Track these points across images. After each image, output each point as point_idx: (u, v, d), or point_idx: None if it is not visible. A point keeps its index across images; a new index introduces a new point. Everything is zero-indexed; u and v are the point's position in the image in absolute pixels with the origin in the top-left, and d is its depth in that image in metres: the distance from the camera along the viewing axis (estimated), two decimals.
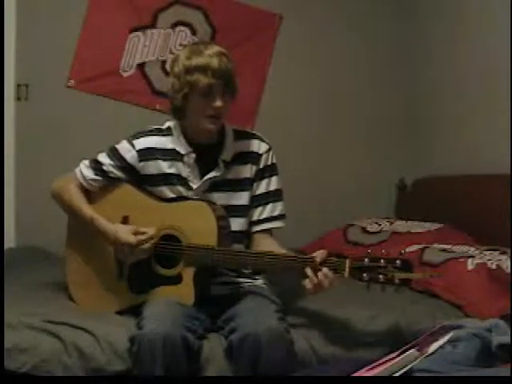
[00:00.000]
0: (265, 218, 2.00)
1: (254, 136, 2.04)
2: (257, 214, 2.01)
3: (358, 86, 3.54)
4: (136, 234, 1.87)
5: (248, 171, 1.99)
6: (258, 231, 2.01)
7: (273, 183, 2.02)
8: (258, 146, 2.01)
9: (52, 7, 3.11)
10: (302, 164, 3.41)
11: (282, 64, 3.42)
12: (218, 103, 1.87)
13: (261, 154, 2.01)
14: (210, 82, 1.85)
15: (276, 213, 2.01)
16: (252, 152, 2.00)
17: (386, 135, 3.56)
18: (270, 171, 2.02)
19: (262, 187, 2.01)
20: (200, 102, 1.89)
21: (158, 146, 1.97)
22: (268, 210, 2.00)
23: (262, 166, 2.00)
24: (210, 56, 1.87)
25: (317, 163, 3.47)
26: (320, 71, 3.50)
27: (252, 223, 2.01)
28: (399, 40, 3.51)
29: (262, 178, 2.01)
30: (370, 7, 3.52)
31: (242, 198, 1.98)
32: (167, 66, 3.28)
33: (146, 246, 1.88)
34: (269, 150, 2.02)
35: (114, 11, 3.20)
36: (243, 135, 2.03)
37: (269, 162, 2.02)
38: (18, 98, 3.08)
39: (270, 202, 2.01)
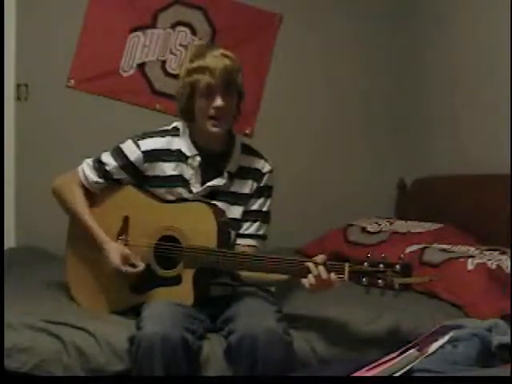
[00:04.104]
0: (249, 234, 2.01)
1: (259, 155, 2.05)
2: (243, 227, 2.01)
3: (358, 86, 3.53)
4: (126, 259, 1.87)
5: (248, 187, 2.00)
6: (239, 244, 2.01)
7: (266, 205, 2.03)
8: (263, 165, 2.02)
9: (52, 7, 3.11)
10: (302, 164, 3.41)
11: (283, 64, 3.42)
12: (218, 102, 1.87)
13: (264, 173, 2.02)
14: (208, 82, 1.85)
15: (260, 232, 2.02)
16: (256, 169, 2.01)
17: (385, 135, 3.56)
18: (267, 192, 2.03)
19: (256, 204, 2.02)
20: (201, 102, 1.89)
21: (163, 147, 1.96)
22: (255, 228, 2.01)
23: (262, 184, 2.02)
24: (211, 58, 1.87)
25: (317, 163, 3.47)
26: (320, 71, 3.50)
27: (236, 235, 2.01)
28: (399, 40, 3.51)
29: (259, 196, 2.02)
30: (370, 7, 3.52)
31: (236, 212, 1.99)
32: (167, 66, 3.29)
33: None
34: (271, 171, 2.04)
35: (114, 11, 3.20)
36: (250, 151, 2.04)
37: (269, 183, 2.03)
38: (18, 98, 3.08)
39: (259, 221, 2.02)
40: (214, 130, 1.90)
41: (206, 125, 1.90)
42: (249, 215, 2.01)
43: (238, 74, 1.91)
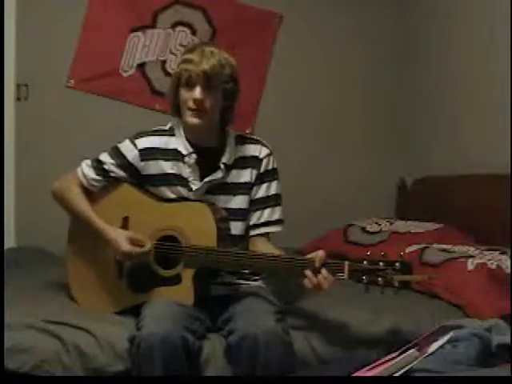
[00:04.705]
0: (263, 222, 2.01)
1: (255, 141, 2.04)
2: (255, 217, 2.01)
3: (358, 86, 3.54)
4: (133, 241, 1.88)
5: (248, 175, 1.99)
6: (255, 235, 2.01)
7: (272, 188, 2.02)
8: (259, 151, 2.01)
9: (52, 7, 3.11)
10: (302, 164, 3.41)
11: (282, 64, 3.42)
12: (196, 94, 1.86)
13: (261, 159, 2.01)
14: (190, 73, 1.86)
15: (274, 217, 2.02)
16: (253, 156, 2.01)
17: (386, 135, 3.56)
18: (270, 176, 2.02)
19: (261, 191, 2.01)
20: (183, 93, 1.90)
21: (159, 146, 1.97)
22: (266, 215, 2.01)
23: (262, 170, 2.00)
24: (199, 52, 1.88)
25: (317, 163, 3.47)
26: (320, 71, 3.50)
27: (250, 227, 2.01)
28: (398, 40, 3.52)
29: (261, 183, 2.01)
30: (369, 7, 3.52)
31: (241, 202, 1.98)
32: (167, 66, 3.29)
33: (141, 256, 1.88)
34: (269, 154, 2.02)
35: (114, 11, 3.20)
36: (245, 140, 2.04)
37: (269, 167, 2.02)
38: (18, 98, 3.08)
39: (269, 207, 2.01)
40: (192, 120, 1.89)
41: (186, 116, 1.90)
42: (257, 204, 2.00)
43: (224, 72, 1.89)
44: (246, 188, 1.99)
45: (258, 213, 2.01)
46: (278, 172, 2.04)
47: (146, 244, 1.88)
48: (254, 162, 2.00)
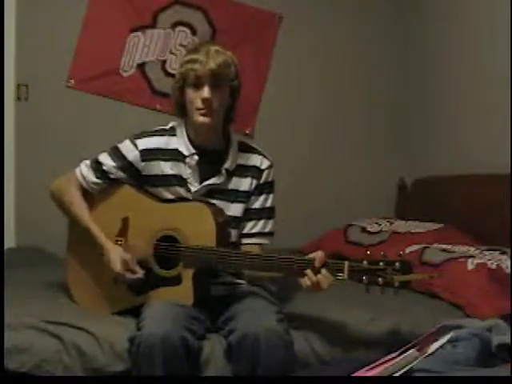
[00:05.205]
0: (255, 233, 2.01)
1: (257, 151, 2.04)
2: (248, 227, 2.01)
3: (358, 86, 3.54)
4: (126, 265, 1.87)
5: (247, 184, 2.00)
6: (246, 244, 2.01)
7: (269, 200, 2.03)
8: (261, 162, 2.02)
9: (52, 7, 3.11)
10: (302, 164, 3.41)
11: (282, 64, 3.42)
12: (205, 94, 1.86)
13: (263, 170, 2.01)
14: (197, 73, 1.86)
15: (266, 230, 2.03)
16: (254, 166, 2.01)
17: (386, 135, 3.56)
18: (268, 188, 2.03)
19: (258, 202, 2.01)
20: (191, 93, 1.89)
21: (160, 146, 1.97)
22: (260, 226, 2.01)
23: (262, 181, 2.01)
24: (205, 51, 1.88)
25: (317, 163, 3.47)
26: (320, 71, 3.50)
27: (242, 235, 2.01)
28: (399, 41, 3.52)
29: (260, 194, 2.01)
30: (370, 8, 3.52)
31: (237, 210, 1.99)
32: (167, 66, 3.29)
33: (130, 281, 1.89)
34: (270, 166, 2.03)
35: (114, 11, 3.20)
36: (248, 148, 2.04)
37: (269, 179, 2.03)
38: (18, 98, 3.07)
39: (263, 219, 2.02)
40: (201, 119, 1.89)
41: (194, 116, 1.90)
42: (252, 214, 2.01)
43: (230, 71, 1.90)
44: (244, 196, 1.99)
45: (252, 223, 2.01)
46: (274, 185, 2.05)
47: (138, 272, 1.88)
48: (255, 171, 2.01)
